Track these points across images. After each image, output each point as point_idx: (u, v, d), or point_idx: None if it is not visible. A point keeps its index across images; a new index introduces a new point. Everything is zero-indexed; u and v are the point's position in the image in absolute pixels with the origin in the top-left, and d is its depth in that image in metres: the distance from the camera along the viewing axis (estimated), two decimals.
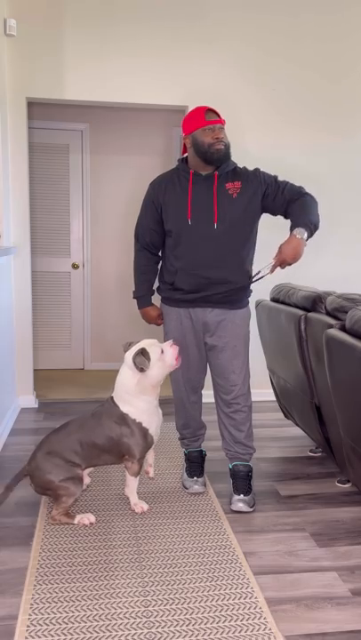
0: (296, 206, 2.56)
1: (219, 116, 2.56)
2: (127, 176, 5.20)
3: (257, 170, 2.69)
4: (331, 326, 2.46)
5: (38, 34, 3.86)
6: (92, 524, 2.48)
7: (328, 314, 2.66)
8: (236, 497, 2.65)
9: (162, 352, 2.48)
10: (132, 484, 2.60)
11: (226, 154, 2.56)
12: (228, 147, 2.57)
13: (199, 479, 2.84)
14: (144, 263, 2.80)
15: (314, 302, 2.78)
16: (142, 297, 2.83)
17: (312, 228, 2.52)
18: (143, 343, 2.50)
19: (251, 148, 4.18)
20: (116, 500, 2.72)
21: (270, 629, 1.85)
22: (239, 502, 2.63)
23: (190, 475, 2.86)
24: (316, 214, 2.55)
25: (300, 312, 2.81)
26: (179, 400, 2.87)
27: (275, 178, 2.66)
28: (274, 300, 3.28)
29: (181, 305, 2.69)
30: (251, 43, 4.10)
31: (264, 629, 1.85)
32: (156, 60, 4.01)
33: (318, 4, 4.14)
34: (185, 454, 2.98)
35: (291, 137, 4.23)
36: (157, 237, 2.73)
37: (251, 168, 2.72)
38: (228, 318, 2.67)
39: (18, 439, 3.53)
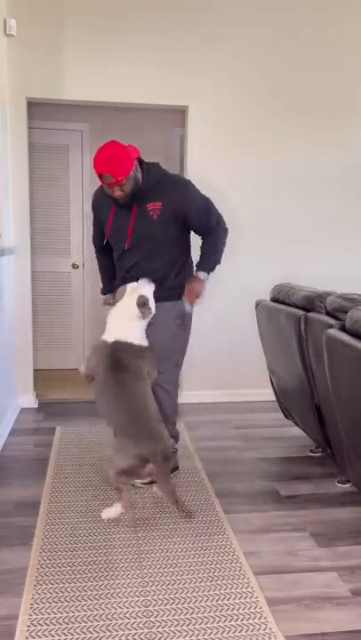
0: (208, 244, 2.85)
1: (114, 174, 2.51)
2: None
3: (186, 187, 2.77)
4: (331, 326, 2.46)
5: (38, 34, 3.86)
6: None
7: (328, 314, 2.66)
8: None
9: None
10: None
11: (130, 196, 2.63)
12: (131, 190, 2.61)
13: None
14: (106, 262, 3.02)
15: (314, 302, 2.78)
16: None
17: (214, 269, 2.85)
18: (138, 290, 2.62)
19: (251, 149, 4.18)
20: (116, 500, 2.71)
21: (270, 629, 1.85)
22: None
23: None
24: (222, 250, 2.86)
25: (300, 312, 2.81)
26: None
27: (201, 204, 2.79)
28: (274, 300, 3.28)
29: None
30: (251, 43, 4.10)
31: (264, 629, 1.85)
32: (156, 60, 4.01)
33: (319, 6, 4.13)
34: None
35: (291, 137, 4.23)
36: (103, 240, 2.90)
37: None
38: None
39: (18, 439, 3.53)
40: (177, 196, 2.71)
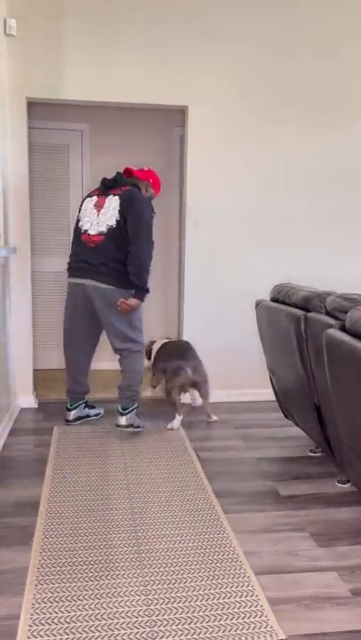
0: None
1: None
2: None
3: None
4: (331, 326, 2.46)
5: (38, 34, 3.86)
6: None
7: (328, 314, 2.67)
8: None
9: None
10: None
11: None
12: None
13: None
14: None
15: (313, 302, 2.78)
16: None
17: None
18: None
19: (251, 149, 4.18)
20: (116, 500, 2.72)
21: (272, 627, 1.85)
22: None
23: None
24: None
25: (300, 312, 2.82)
26: None
27: None
28: (274, 300, 3.29)
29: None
30: (251, 42, 4.10)
31: (265, 627, 1.85)
32: (156, 60, 4.01)
33: (319, 2, 4.14)
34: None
35: (291, 136, 4.24)
36: None
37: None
38: None
39: (18, 439, 3.53)
40: None
